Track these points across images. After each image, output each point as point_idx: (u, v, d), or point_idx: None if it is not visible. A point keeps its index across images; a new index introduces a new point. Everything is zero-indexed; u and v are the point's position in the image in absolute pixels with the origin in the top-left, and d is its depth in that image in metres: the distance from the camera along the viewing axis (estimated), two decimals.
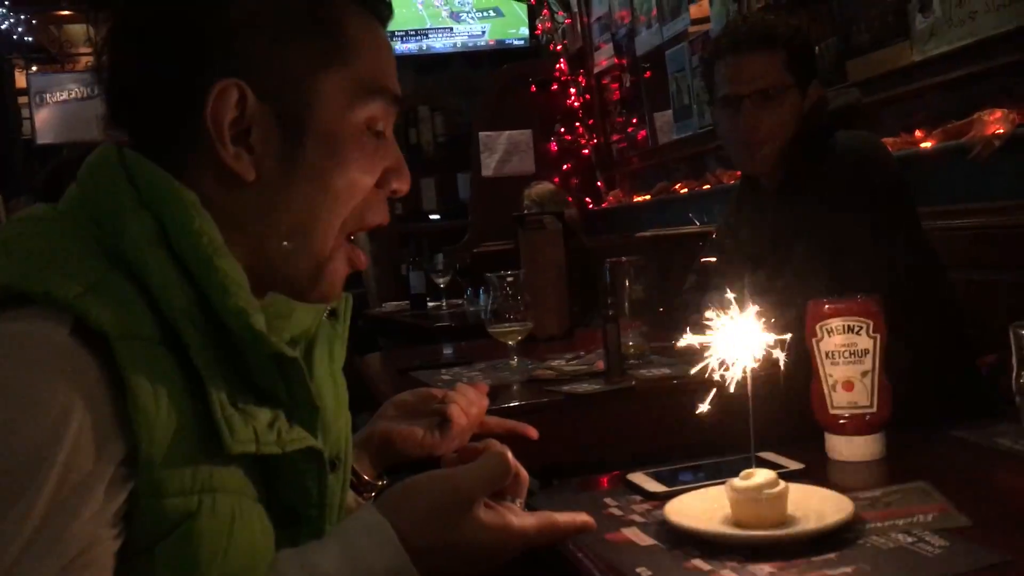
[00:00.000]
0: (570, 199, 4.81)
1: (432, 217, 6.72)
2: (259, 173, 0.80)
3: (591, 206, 5.90)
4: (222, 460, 0.75)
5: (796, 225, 1.88)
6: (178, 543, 0.71)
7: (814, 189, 1.86)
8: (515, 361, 1.96)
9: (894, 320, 1.17)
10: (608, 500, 1.07)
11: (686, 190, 4.79)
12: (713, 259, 2.10)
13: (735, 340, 0.97)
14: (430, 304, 4.21)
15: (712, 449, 1.22)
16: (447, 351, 2.57)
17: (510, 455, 0.91)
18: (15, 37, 6.98)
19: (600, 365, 1.82)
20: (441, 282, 4.19)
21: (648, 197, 5.29)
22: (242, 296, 0.77)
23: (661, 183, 5.13)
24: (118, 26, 0.82)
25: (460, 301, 3.93)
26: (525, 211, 4.08)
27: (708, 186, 4.55)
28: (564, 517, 0.91)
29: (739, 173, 2.17)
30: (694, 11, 4.61)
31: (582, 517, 0.92)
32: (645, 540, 0.93)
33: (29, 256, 0.73)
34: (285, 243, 0.82)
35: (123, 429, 0.69)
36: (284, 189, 0.81)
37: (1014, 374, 0.96)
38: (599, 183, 6.02)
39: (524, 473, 0.94)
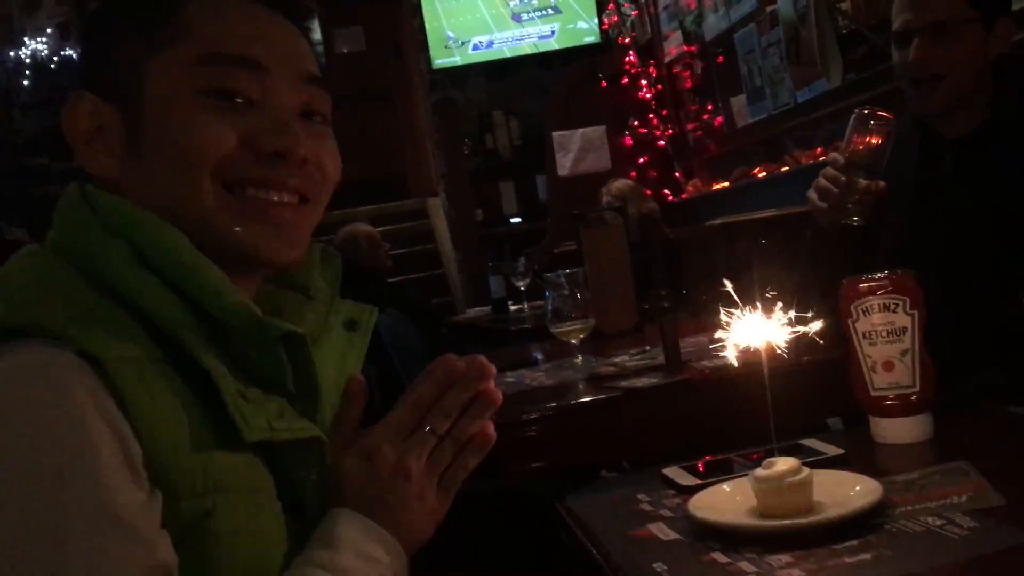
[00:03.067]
0: (648, 192, 4.77)
1: (513, 220, 6.74)
2: (122, 169, 0.83)
3: (670, 198, 5.82)
4: (232, 457, 0.76)
5: (983, 186, 1.68)
6: (196, 545, 0.73)
7: (1011, 146, 1.66)
8: (579, 359, 1.96)
9: None
10: (641, 496, 1.07)
11: (764, 174, 4.70)
12: None
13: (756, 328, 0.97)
14: (512, 307, 4.23)
15: (766, 438, 1.20)
16: (533, 352, 2.54)
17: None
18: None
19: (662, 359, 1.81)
20: (521, 284, 4.20)
21: (727, 184, 5.20)
22: (237, 293, 0.80)
23: (739, 169, 5.04)
24: None
25: (541, 303, 3.93)
26: (606, 206, 4.07)
27: (786, 168, 4.45)
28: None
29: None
30: None
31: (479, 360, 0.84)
32: (669, 535, 0.93)
33: (16, 290, 0.76)
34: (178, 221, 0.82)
35: (134, 437, 0.72)
36: (145, 172, 0.83)
37: None
38: (677, 174, 5.94)
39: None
